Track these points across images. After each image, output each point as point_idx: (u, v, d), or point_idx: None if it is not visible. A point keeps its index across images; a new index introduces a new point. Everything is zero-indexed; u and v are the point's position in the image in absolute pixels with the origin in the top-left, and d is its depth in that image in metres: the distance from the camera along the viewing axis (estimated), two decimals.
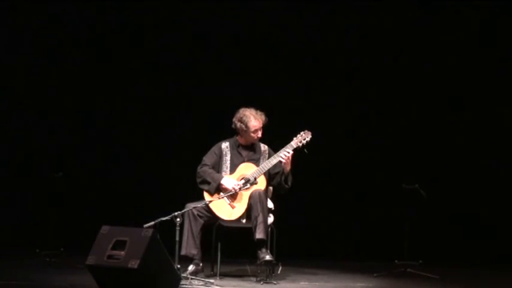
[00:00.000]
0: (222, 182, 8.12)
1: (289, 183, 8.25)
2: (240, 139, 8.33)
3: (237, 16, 10.26)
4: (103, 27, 10.39)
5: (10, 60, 10.35)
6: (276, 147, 8.31)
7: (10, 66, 10.35)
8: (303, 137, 8.21)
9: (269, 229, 8.09)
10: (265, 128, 8.29)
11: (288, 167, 8.18)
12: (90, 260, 7.14)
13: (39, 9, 10.30)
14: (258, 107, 8.30)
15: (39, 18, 10.33)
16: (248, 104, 8.40)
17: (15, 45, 10.40)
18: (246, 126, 8.21)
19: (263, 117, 8.25)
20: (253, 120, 8.21)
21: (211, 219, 8.15)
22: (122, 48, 10.43)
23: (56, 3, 10.28)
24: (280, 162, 8.14)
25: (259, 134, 8.27)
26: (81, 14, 10.33)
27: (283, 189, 8.29)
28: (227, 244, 8.33)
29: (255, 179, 8.07)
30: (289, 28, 10.29)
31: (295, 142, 8.19)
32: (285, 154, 8.11)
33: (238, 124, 8.23)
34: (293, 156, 8.17)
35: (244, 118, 8.21)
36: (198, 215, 8.07)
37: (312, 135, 8.23)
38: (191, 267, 7.98)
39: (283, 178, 8.23)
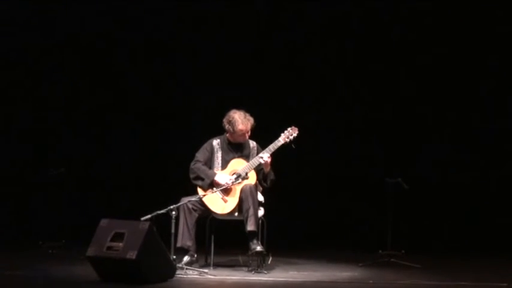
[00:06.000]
0: (216, 178, 8.26)
1: (268, 183, 8.39)
2: (229, 137, 8.48)
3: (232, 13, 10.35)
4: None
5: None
6: (265, 143, 8.42)
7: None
8: (290, 133, 8.36)
9: (260, 221, 8.23)
10: (254, 128, 8.39)
11: (267, 168, 8.33)
12: (90, 251, 7.32)
13: None
14: (247, 109, 8.41)
15: None
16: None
17: None
18: (233, 129, 8.36)
19: (251, 121, 8.37)
20: (240, 125, 8.33)
21: (205, 212, 8.28)
22: (122, 48, 10.44)
23: None
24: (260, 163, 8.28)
25: (246, 136, 8.42)
26: None
27: (262, 187, 8.43)
28: (220, 236, 8.42)
29: (246, 174, 8.21)
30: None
31: (283, 138, 8.33)
32: (264, 157, 8.21)
33: (227, 126, 8.39)
34: (281, 151, 8.27)
35: (232, 121, 8.34)
36: (192, 208, 8.19)
37: (298, 131, 8.36)
38: (186, 258, 8.10)
39: (262, 177, 8.38)
